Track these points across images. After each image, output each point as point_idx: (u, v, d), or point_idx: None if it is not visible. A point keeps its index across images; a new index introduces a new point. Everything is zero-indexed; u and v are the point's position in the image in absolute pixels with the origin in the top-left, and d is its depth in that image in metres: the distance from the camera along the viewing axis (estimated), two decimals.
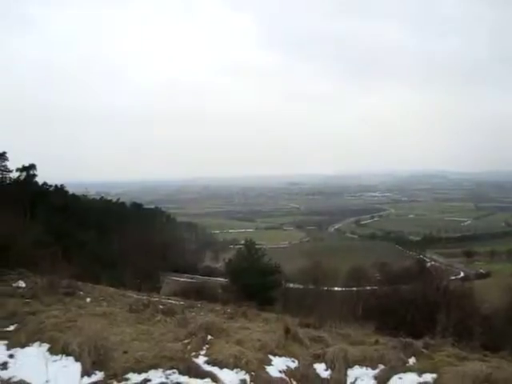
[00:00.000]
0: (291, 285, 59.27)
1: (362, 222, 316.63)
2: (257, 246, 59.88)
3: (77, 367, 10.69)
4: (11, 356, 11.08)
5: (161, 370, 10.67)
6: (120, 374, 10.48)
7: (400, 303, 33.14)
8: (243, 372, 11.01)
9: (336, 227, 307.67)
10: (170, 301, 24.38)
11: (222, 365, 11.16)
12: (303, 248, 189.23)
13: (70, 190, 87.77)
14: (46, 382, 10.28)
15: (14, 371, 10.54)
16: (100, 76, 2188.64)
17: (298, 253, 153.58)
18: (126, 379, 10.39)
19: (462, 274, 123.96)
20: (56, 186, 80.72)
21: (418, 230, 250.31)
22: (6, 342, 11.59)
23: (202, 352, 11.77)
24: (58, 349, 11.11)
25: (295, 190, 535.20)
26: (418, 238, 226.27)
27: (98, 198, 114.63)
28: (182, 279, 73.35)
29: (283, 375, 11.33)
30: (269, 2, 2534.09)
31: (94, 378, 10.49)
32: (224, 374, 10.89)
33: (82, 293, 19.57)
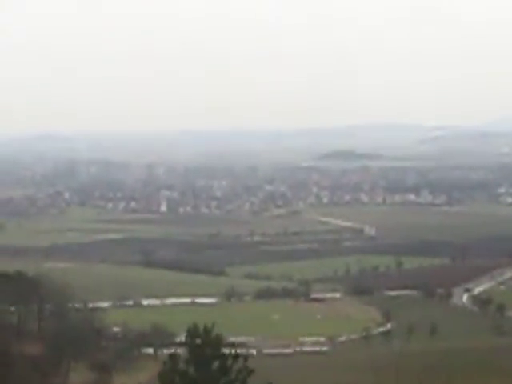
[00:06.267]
0: None
1: None
2: (228, 350, 38.76)
3: None
4: None
5: None
6: None
7: None
8: None
9: (476, 291, 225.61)
10: None
11: None
12: (380, 360, 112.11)
13: None
14: None
15: None
16: None
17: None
18: None
19: None
20: None
21: None
22: None
23: None
24: None
25: (351, 172, 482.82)
26: None
27: None
28: None
29: None
30: None
31: None
32: None
33: None
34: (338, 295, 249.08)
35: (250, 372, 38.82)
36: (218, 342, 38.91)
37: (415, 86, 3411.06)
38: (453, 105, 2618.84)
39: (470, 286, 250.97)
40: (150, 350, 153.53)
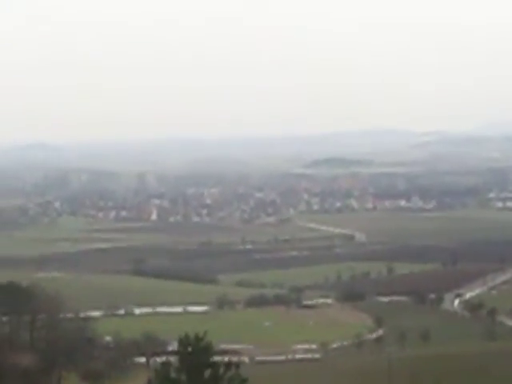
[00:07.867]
0: None
1: None
2: (221, 358, 38.16)
3: None
4: None
5: None
6: None
7: None
8: None
9: (468, 297, 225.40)
10: None
11: None
12: (373, 366, 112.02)
13: None
14: None
15: None
16: None
17: None
18: None
19: None
20: None
21: None
22: None
23: None
24: None
25: (341, 179, 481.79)
26: None
27: None
28: None
29: None
30: None
31: None
32: None
33: None
34: (329, 302, 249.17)
35: (243, 380, 38.40)
36: (209, 350, 38.38)
37: (404, 91, 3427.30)
38: (442, 110, 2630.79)
39: (461, 291, 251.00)
40: (142, 359, 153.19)
